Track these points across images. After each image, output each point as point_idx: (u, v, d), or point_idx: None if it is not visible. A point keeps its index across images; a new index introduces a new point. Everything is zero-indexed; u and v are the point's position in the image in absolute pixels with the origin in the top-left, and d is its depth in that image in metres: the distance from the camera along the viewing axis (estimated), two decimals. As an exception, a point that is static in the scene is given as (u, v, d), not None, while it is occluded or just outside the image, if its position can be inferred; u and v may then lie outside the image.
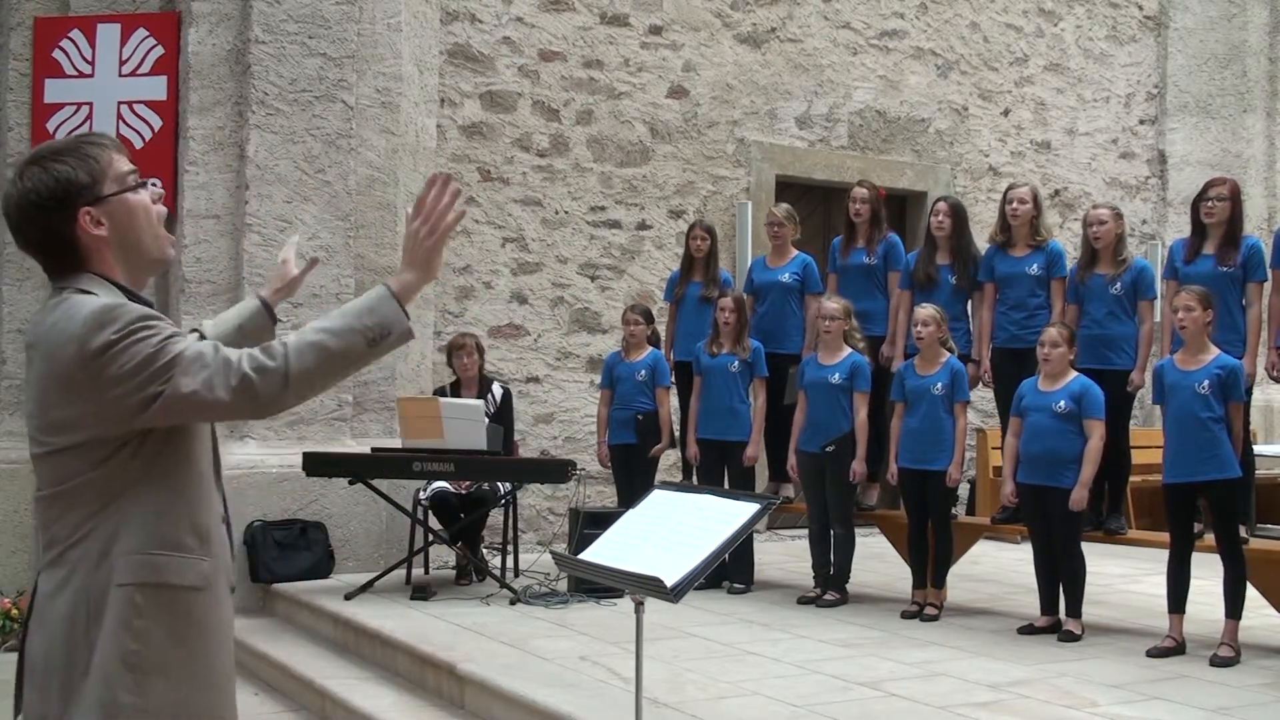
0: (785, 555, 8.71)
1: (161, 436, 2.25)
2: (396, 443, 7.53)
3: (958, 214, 7.22)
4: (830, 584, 7.04)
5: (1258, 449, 7.90)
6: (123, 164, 2.32)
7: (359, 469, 7.25)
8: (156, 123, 7.82)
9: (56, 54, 7.83)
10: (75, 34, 7.83)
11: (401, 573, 7.38)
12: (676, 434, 7.91)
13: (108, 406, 2.17)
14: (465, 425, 7.06)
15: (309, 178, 7.74)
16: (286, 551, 7.47)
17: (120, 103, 7.81)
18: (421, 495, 7.52)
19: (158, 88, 7.83)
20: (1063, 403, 6.11)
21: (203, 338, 2.52)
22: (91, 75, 7.82)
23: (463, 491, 7.51)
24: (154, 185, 2.43)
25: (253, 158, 7.61)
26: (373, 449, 7.53)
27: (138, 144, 7.79)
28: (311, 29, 7.74)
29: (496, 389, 7.84)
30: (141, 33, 7.84)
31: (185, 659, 2.25)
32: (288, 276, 2.91)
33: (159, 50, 7.83)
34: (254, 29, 7.64)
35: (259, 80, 7.65)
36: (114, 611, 2.20)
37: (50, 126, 7.76)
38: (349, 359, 2.24)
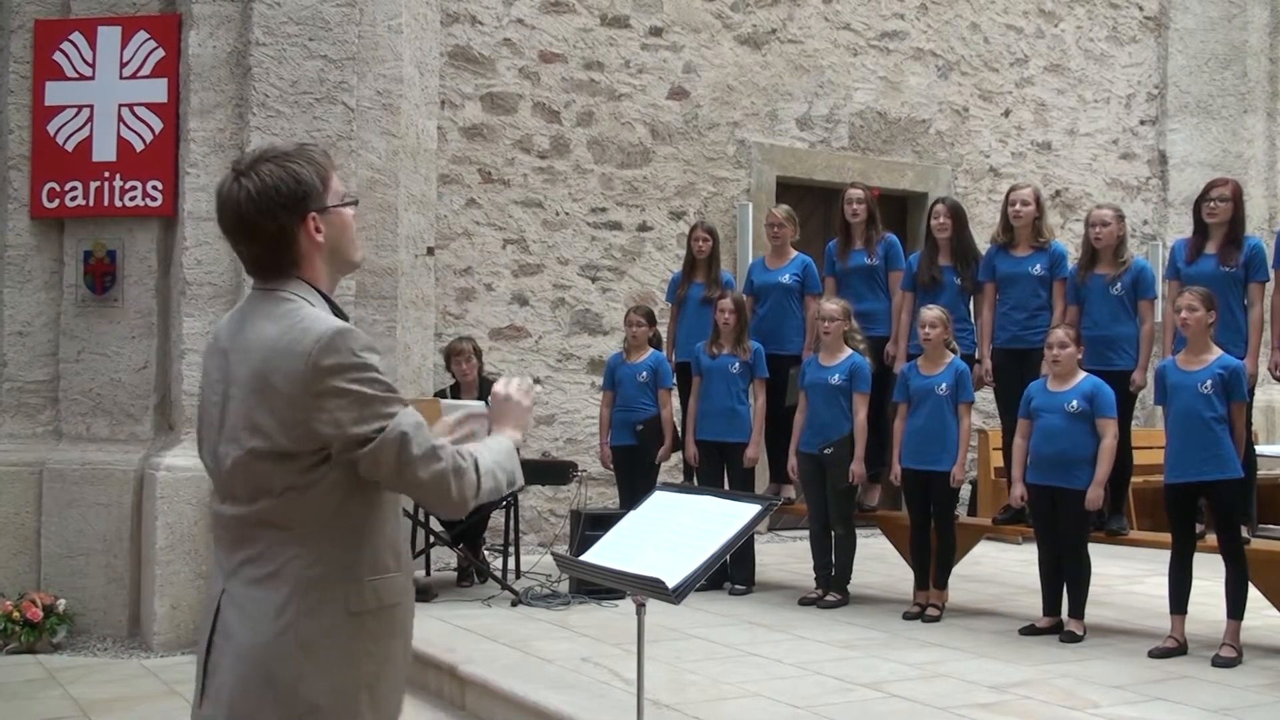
0: (786, 556, 8.71)
1: None
2: (397, 444, 7.51)
3: (957, 215, 7.22)
4: (832, 585, 7.04)
5: (1259, 449, 7.90)
6: (340, 182, 2.43)
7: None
8: (157, 125, 7.82)
9: (57, 56, 7.83)
10: (76, 36, 7.83)
11: (403, 574, 7.37)
12: (679, 436, 7.91)
13: (318, 427, 2.21)
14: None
15: (310, 179, 7.72)
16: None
17: (121, 105, 7.81)
18: (423, 497, 7.50)
19: (158, 90, 7.82)
20: (1075, 402, 6.10)
21: None
22: (92, 78, 7.82)
23: (464, 493, 7.49)
24: (356, 203, 2.46)
25: (253, 159, 7.59)
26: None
27: (138, 146, 7.79)
28: (312, 31, 7.74)
29: (497, 390, 7.82)
30: (142, 35, 7.84)
31: (394, 670, 2.39)
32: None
33: (160, 53, 7.82)
34: (254, 31, 7.63)
35: (260, 82, 7.64)
36: (344, 637, 2.27)
37: (51, 129, 7.76)
38: (500, 491, 2.43)
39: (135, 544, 7.38)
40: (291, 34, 7.71)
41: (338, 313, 2.35)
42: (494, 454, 2.43)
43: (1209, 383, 5.69)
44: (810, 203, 10.19)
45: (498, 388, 2.60)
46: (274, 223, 2.30)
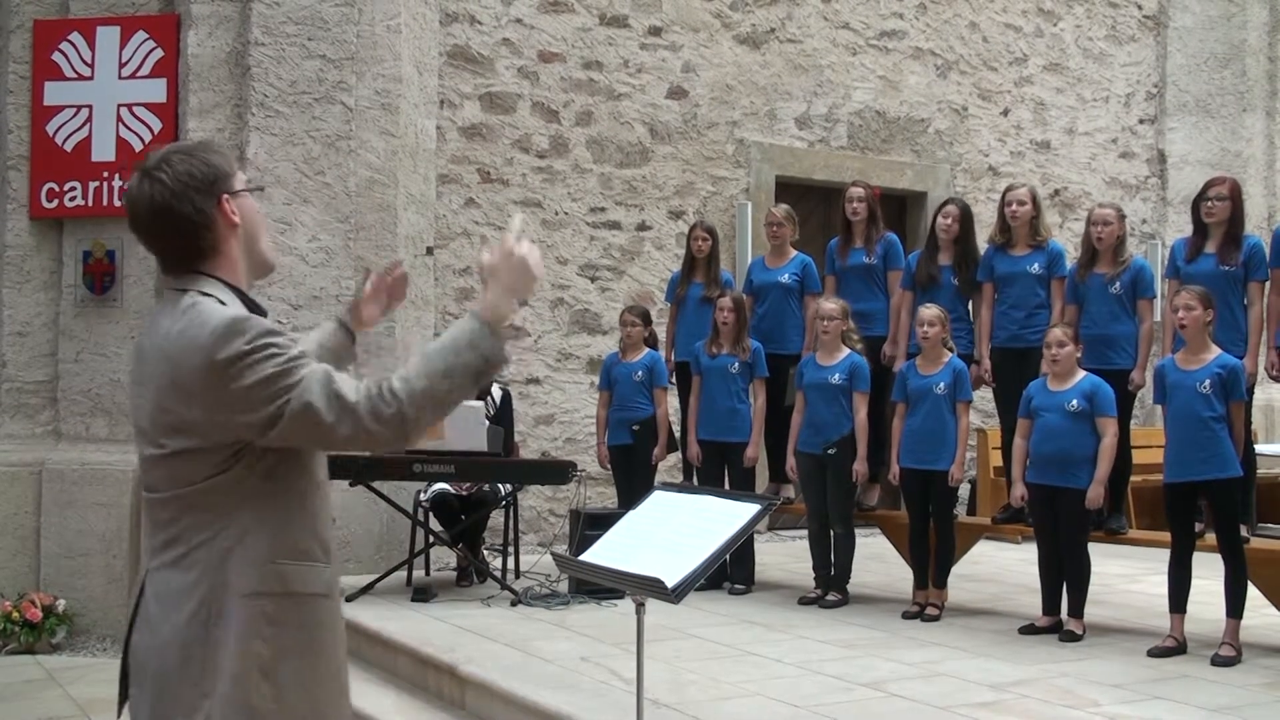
0: (786, 556, 8.71)
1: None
2: (397, 444, 7.51)
3: (966, 217, 7.21)
4: (831, 584, 7.04)
5: (1258, 448, 7.89)
6: (241, 172, 2.45)
7: (359, 471, 7.24)
8: (156, 125, 7.83)
9: (56, 57, 7.84)
10: (75, 37, 7.84)
11: (402, 574, 7.39)
12: (675, 435, 7.91)
13: (228, 419, 2.21)
14: (466, 426, 7.05)
15: (309, 179, 7.74)
16: (287, 553, 7.45)
17: (120, 105, 7.82)
18: (422, 497, 7.52)
19: (157, 90, 7.83)
20: (1075, 401, 6.10)
21: None
22: (91, 78, 7.83)
23: (463, 493, 7.51)
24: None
25: (252, 160, 7.60)
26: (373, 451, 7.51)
27: (137, 146, 7.80)
28: (311, 31, 7.75)
29: (495, 390, 7.84)
30: (141, 35, 7.85)
31: (314, 663, 2.33)
32: (362, 304, 2.95)
33: (158, 53, 7.83)
34: (253, 31, 7.64)
35: (258, 82, 7.65)
36: (243, 619, 2.24)
37: (50, 129, 7.77)
38: (456, 397, 2.29)
39: (134, 544, 7.37)
40: (290, 34, 7.72)
41: (252, 306, 2.34)
42: (439, 358, 2.27)
43: (1208, 382, 5.69)
44: (809, 202, 10.19)
45: (484, 257, 2.41)
46: (191, 207, 2.31)
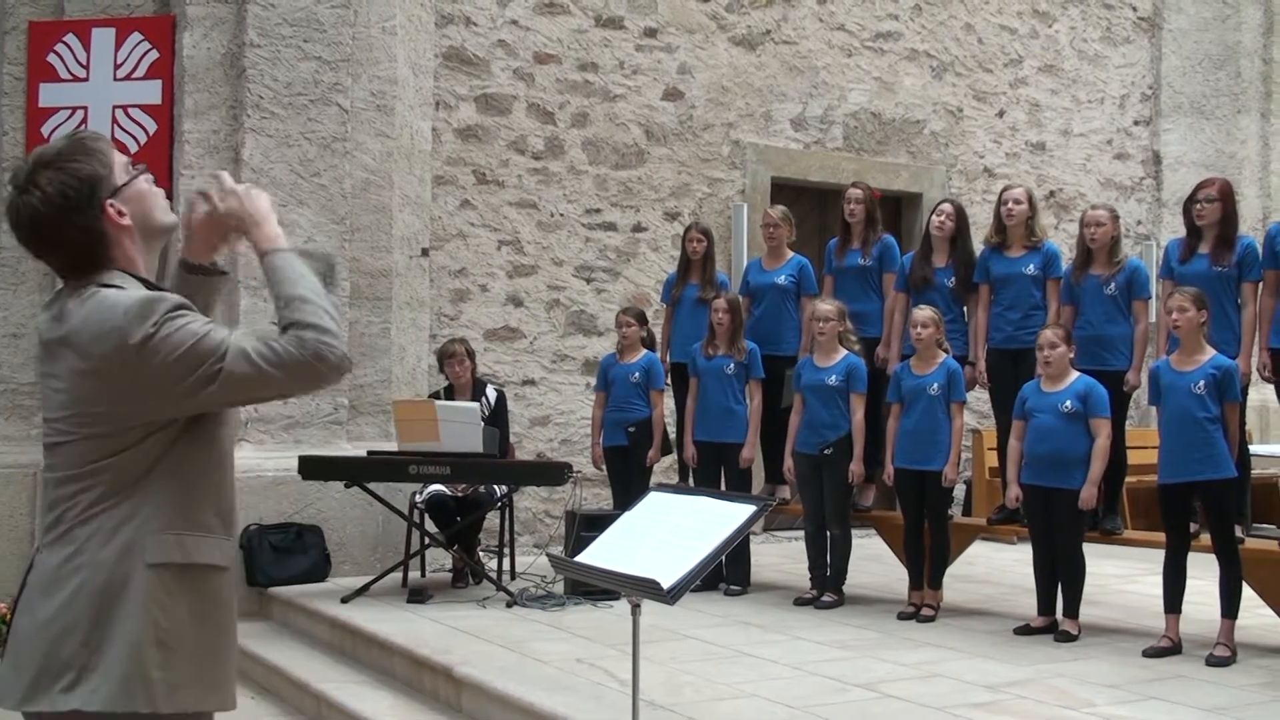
0: (782, 557, 8.71)
1: (189, 418, 2.28)
2: (392, 446, 7.52)
3: (961, 217, 7.22)
4: (827, 585, 7.04)
5: (1253, 449, 7.91)
6: (120, 156, 2.37)
7: (355, 472, 7.25)
8: (151, 127, 7.82)
9: (51, 58, 7.83)
10: (70, 38, 7.83)
11: (398, 576, 7.38)
12: (671, 437, 7.91)
13: (156, 396, 2.20)
14: (461, 428, 7.06)
15: (304, 181, 7.73)
16: (282, 555, 7.47)
17: (115, 107, 7.81)
18: (418, 498, 7.52)
19: (153, 92, 7.83)
20: (1069, 402, 6.11)
21: None
22: (86, 79, 7.82)
23: (459, 494, 7.51)
24: (146, 170, 2.40)
25: (248, 161, 7.60)
26: (369, 452, 7.53)
27: (132, 148, 7.78)
28: (306, 33, 7.74)
29: (490, 392, 7.83)
30: (136, 37, 7.84)
31: (210, 634, 2.31)
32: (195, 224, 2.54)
33: (154, 54, 7.83)
34: (249, 33, 7.64)
35: (254, 84, 7.65)
36: (141, 590, 2.23)
37: (45, 131, 7.75)
38: (337, 306, 2.34)
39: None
40: (286, 35, 7.71)
41: (154, 289, 2.31)
42: (314, 291, 2.29)
43: (1202, 383, 5.70)
44: (805, 203, 10.20)
45: (217, 204, 2.41)
46: (75, 228, 2.26)
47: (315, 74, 7.75)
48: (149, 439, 2.25)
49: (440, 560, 7.91)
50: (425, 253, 8.59)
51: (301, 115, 7.74)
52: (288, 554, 7.48)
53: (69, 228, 2.26)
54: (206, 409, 2.27)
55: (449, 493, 7.49)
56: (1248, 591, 5.81)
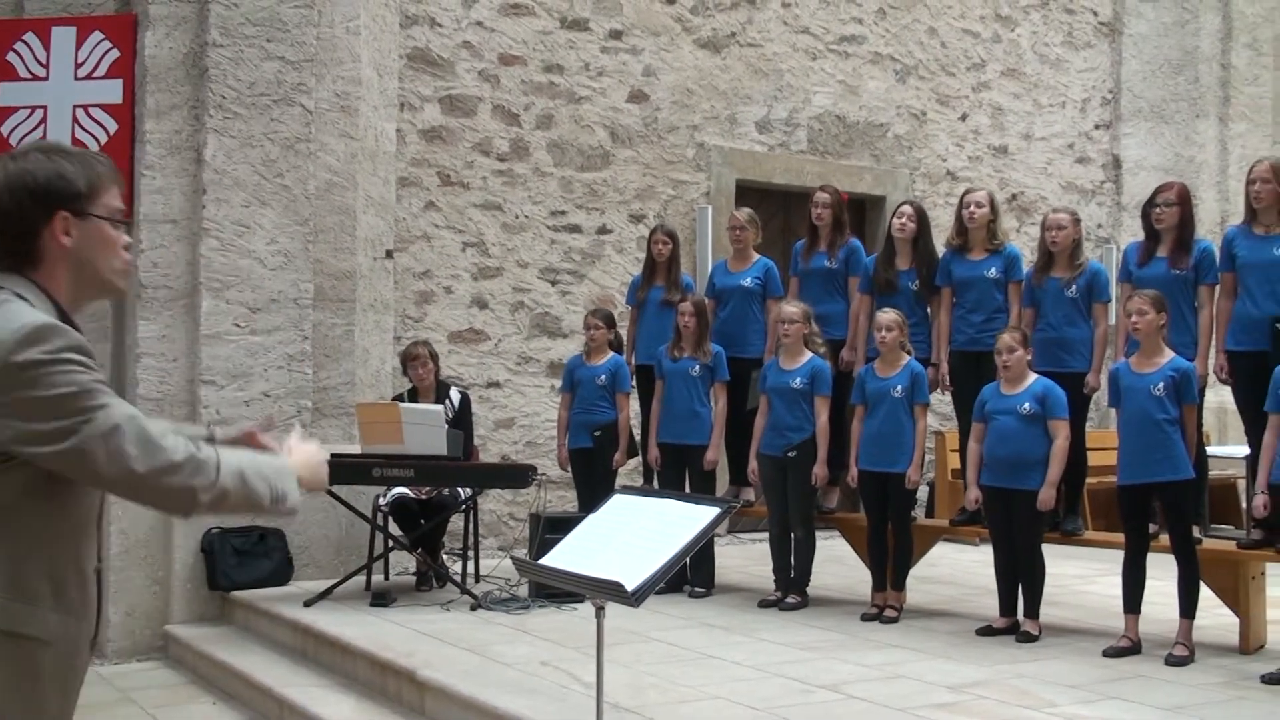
0: (746, 559, 8.73)
1: (38, 474, 2.08)
2: (356, 448, 7.49)
3: (921, 218, 7.26)
4: (791, 587, 7.06)
5: (1211, 450, 8.01)
6: (116, 198, 2.27)
7: (318, 475, 7.19)
8: (112, 126, 7.75)
9: (10, 57, 7.74)
10: (29, 37, 7.75)
11: (361, 579, 7.35)
12: (636, 440, 7.92)
13: (11, 426, 2.02)
14: (425, 430, 7.03)
15: (267, 182, 7.69)
16: (245, 558, 7.42)
17: (76, 106, 7.73)
18: (381, 501, 7.49)
19: (114, 91, 7.76)
20: (1027, 404, 6.16)
21: None
22: (46, 78, 7.74)
23: (423, 497, 7.48)
24: (126, 233, 2.30)
25: (210, 162, 7.55)
26: (332, 455, 7.44)
27: (94, 148, 7.71)
28: (270, 32, 7.70)
29: (454, 394, 7.82)
30: (97, 35, 7.77)
31: (18, 710, 2.11)
32: (246, 440, 2.61)
33: (115, 53, 7.76)
34: (211, 32, 7.59)
35: (216, 84, 7.60)
36: None
37: (4, 130, 7.67)
38: (254, 502, 2.23)
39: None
40: (249, 35, 7.67)
41: (67, 323, 2.16)
42: (257, 461, 2.24)
43: (1161, 385, 5.76)
44: (769, 206, 10.22)
45: (293, 440, 2.45)
46: (16, 206, 2.15)
47: (278, 74, 7.71)
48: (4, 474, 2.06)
49: (404, 563, 7.89)
50: (389, 254, 8.56)
51: (264, 116, 7.69)
52: (250, 557, 7.44)
53: (12, 204, 2.15)
54: (47, 465, 2.06)
55: (413, 495, 7.46)
56: (1206, 591, 5.88)
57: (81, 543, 2.21)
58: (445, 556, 7.86)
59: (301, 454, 2.42)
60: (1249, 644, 5.93)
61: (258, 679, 6.14)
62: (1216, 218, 11.75)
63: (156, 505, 2.16)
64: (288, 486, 2.29)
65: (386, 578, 7.60)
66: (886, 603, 6.72)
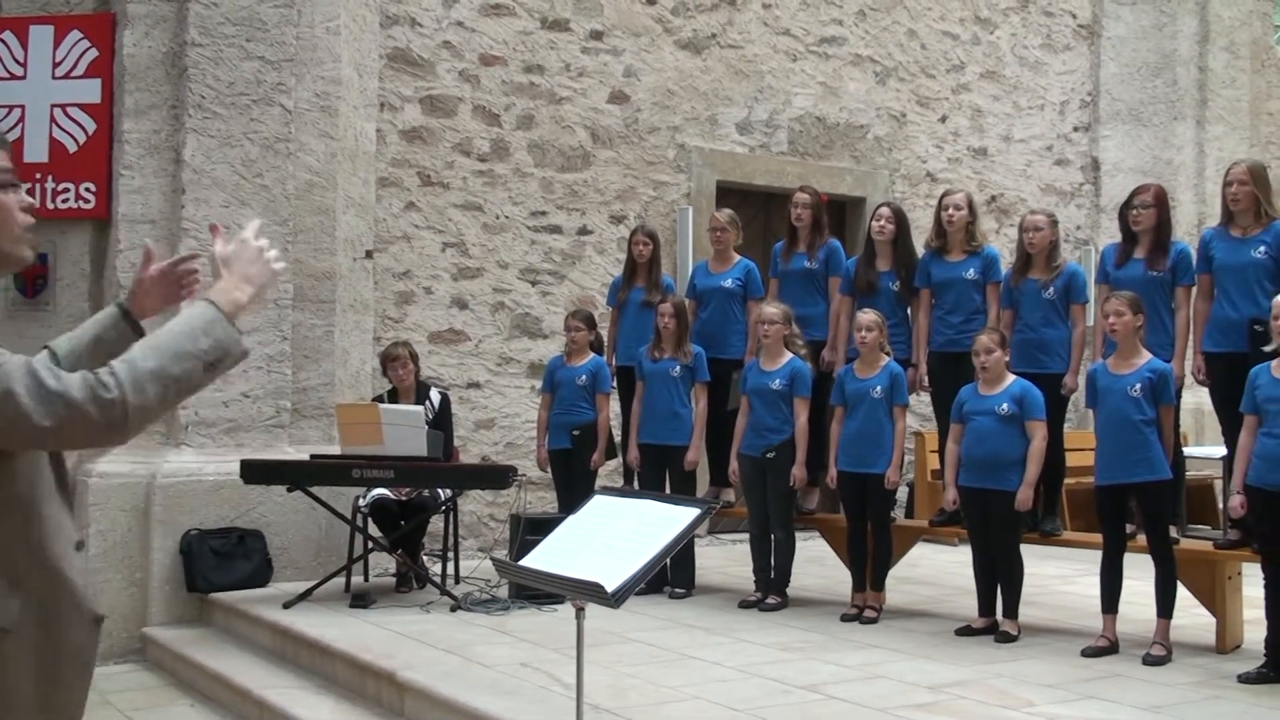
0: (726, 559, 8.74)
1: None
2: (335, 449, 7.47)
3: (900, 219, 7.29)
4: (771, 588, 7.08)
5: (1188, 451, 8.06)
6: (3, 159, 2.14)
7: (298, 476, 7.19)
8: (90, 126, 7.72)
9: (-13, 56, 7.71)
10: (7, 35, 7.72)
11: (341, 581, 7.34)
12: (616, 441, 7.92)
13: None
14: (405, 431, 7.02)
15: (246, 182, 7.67)
16: (224, 560, 7.39)
17: (53, 105, 7.71)
18: (361, 502, 7.47)
19: (92, 90, 7.73)
20: (1005, 405, 6.19)
21: (54, 357, 2.34)
22: (24, 77, 7.71)
23: (403, 498, 7.47)
24: (25, 191, 2.24)
25: (189, 162, 7.53)
26: (311, 456, 7.47)
27: (71, 148, 7.69)
28: (249, 32, 7.68)
29: (434, 395, 7.80)
30: (75, 34, 7.74)
31: None
32: (144, 276, 2.49)
33: (93, 52, 7.73)
34: (190, 31, 7.56)
35: (195, 83, 7.57)
36: None
37: (-20, 129, 7.63)
38: (187, 386, 2.05)
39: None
40: (228, 35, 7.64)
41: None
42: (168, 340, 2.04)
43: (1138, 386, 5.79)
44: (750, 207, 10.24)
45: (218, 247, 2.22)
46: None
47: (258, 74, 7.69)
48: None
49: (384, 565, 7.87)
50: (369, 255, 8.54)
51: (244, 115, 7.67)
52: (229, 559, 7.41)
53: None
54: None
55: (393, 496, 7.45)
56: (1183, 591, 5.91)
57: (31, 521, 2.08)
58: (425, 558, 7.85)
59: (233, 269, 2.20)
60: (1225, 643, 5.97)
61: (237, 681, 6.12)
62: (1194, 220, 11.82)
63: (79, 446, 2.03)
64: (214, 340, 2.07)
65: (366, 579, 7.59)
66: (866, 603, 6.74)
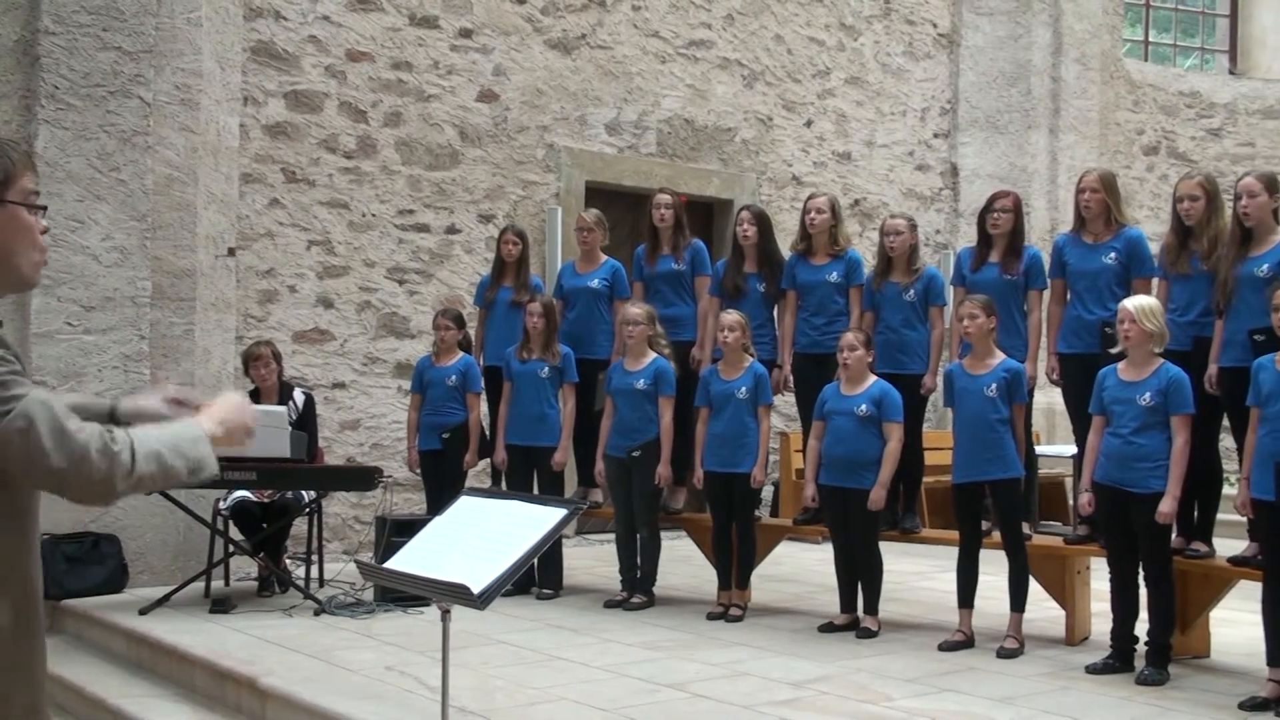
0: (593, 559, 8.77)
1: None
2: (195, 451, 7.28)
3: (762, 222, 7.39)
4: (637, 587, 7.12)
5: (1040, 450, 8.34)
6: (31, 182, 2.20)
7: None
8: (-66, 115, 7.41)
9: None
10: None
11: (200, 585, 7.17)
12: (488, 439, 7.89)
13: None
14: (268, 432, 6.87)
15: (102, 176, 7.45)
16: (76, 565, 7.17)
17: (-107, 93, 7.38)
18: (221, 505, 7.31)
19: (-64, 78, 7.42)
20: (863, 406, 6.32)
21: None
22: None
23: (265, 500, 7.33)
24: (43, 220, 2.19)
25: (42, 154, 7.28)
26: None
27: (-87, 137, 7.37)
28: (106, 21, 7.46)
29: (298, 395, 7.67)
30: (-83, 20, 7.42)
31: None
32: (146, 410, 2.58)
33: (-63, 39, 7.42)
34: (43, 19, 7.32)
35: (49, 73, 7.33)
36: None
37: None
38: (172, 479, 2.19)
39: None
40: (84, 23, 7.42)
41: None
42: (169, 436, 2.18)
43: (994, 386, 5.97)
44: (619, 208, 10.28)
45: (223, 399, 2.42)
46: None
47: (115, 64, 7.47)
48: None
49: (245, 568, 7.72)
50: (231, 252, 8.35)
51: (100, 107, 7.45)
52: (82, 564, 7.19)
53: None
54: None
55: (255, 498, 7.31)
56: (1035, 585, 6.12)
57: (29, 528, 2.17)
58: (288, 561, 7.72)
59: (216, 410, 2.36)
60: (1074, 635, 6.19)
61: (90, 690, 5.94)
62: (1047, 225, 12.21)
63: (75, 497, 2.09)
64: (202, 454, 2.23)
65: (227, 584, 7.43)
66: (731, 601, 6.82)
